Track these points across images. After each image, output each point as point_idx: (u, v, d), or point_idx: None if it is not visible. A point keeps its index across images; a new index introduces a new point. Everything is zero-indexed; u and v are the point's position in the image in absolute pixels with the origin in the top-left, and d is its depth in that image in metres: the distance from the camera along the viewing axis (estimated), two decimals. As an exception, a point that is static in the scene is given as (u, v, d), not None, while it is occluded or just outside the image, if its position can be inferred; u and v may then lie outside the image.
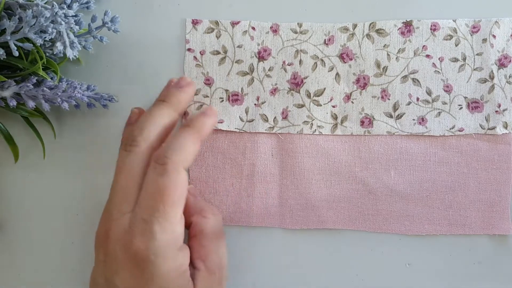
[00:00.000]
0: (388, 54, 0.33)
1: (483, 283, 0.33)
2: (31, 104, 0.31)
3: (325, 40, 0.34)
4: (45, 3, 0.29)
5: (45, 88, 0.31)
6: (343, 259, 0.34)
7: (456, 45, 0.33)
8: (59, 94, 0.31)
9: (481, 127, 0.33)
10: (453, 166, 0.33)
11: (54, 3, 0.29)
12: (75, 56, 0.30)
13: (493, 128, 0.33)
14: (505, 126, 0.33)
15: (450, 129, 0.33)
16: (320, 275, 0.34)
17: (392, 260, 0.34)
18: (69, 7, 0.31)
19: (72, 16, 0.30)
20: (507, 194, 0.33)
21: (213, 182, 0.34)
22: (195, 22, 0.34)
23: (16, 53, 0.28)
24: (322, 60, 0.34)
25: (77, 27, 0.30)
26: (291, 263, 0.34)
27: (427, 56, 0.33)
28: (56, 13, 0.28)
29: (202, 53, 0.34)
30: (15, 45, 0.28)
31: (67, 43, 0.29)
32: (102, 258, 0.28)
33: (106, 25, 0.32)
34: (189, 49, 0.34)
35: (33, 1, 0.29)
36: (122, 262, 0.27)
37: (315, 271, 0.34)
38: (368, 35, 0.33)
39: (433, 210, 0.33)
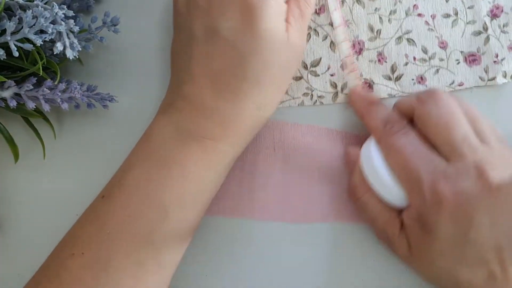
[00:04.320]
0: (380, 17, 0.33)
1: None
2: (31, 104, 0.31)
3: (316, 9, 0.34)
4: (45, 4, 0.29)
5: (45, 89, 0.31)
6: (346, 252, 0.33)
7: (447, 1, 0.33)
8: (59, 94, 0.31)
9: (481, 79, 0.33)
10: None
11: (54, 3, 0.29)
12: (75, 56, 0.30)
13: (493, 78, 0.33)
14: (505, 75, 0.33)
15: (450, 84, 0.33)
16: (322, 269, 0.34)
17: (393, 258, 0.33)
18: (69, 7, 0.31)
19: (72, 16, 0.30)
20: None
21: None
22: (195, 23, 0.34)
23: (16, 54, 0.28)
24: (315, 30, 0.34)
25: (77, 27, 0.30)
26: (292, 256, 0.34)
27: (419, 15, 0.33)
28: (56, 13, 0.28)
29: (202, 53, 0.34)
30: (15, 45, 0.28)
31: (67, 43, 0.29)
32: (205, 5, 0.29)
33: (106, 26, 0.32)
34: (189, 50, 0.34)
35: (33, 1, 0.29)
36: (231, 4, 0.28)
37: (317, 265, 0.34)
38: (358, 1, 0.33)
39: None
